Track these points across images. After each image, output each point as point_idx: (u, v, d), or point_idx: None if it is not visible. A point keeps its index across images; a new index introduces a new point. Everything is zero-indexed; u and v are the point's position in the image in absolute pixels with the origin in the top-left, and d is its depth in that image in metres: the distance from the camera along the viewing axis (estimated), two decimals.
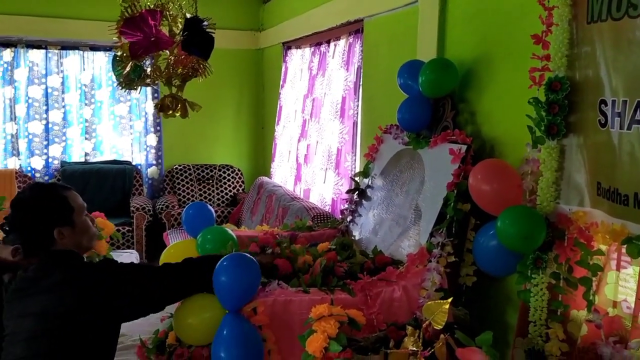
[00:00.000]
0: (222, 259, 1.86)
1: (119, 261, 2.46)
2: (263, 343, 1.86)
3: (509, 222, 1.74)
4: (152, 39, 1.99)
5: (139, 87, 2.24)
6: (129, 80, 2.15)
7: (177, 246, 2.66)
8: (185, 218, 2.67)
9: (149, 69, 2.09)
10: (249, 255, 1.87)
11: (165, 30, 2.14)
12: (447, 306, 1.24)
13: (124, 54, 2.08)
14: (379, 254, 2.36)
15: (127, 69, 2.10)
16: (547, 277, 1.72)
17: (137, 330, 2.52)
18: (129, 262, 1.86)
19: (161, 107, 2.25)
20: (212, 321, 1.82)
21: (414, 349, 1.43)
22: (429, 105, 2.45)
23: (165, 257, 2.60)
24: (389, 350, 1.34)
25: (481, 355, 1.13)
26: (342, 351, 1.54)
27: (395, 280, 2.05)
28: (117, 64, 2.19)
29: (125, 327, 2.59)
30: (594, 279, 1.62)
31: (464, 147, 2.16)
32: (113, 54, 5.33)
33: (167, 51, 2.11)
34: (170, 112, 2.24)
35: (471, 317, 1.94)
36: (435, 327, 1.23)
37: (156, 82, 2.18)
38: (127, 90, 2.30)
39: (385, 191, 2.62)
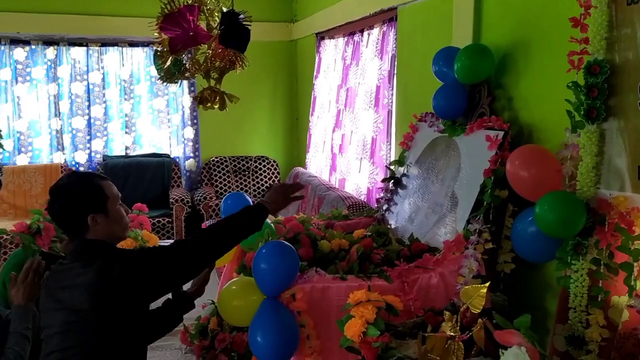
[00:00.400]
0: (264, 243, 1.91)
1: None
2: (301, 328, 1.90)
3: (548, 208, 1.73)
4: (191, 34, 2.04)
5: (179, 81, 2.30)
6: (169, 74, 2.22)
7: None
8: (224, 208, 2.72)
9: (188, 63, 2.15)
10: (288, 243, 1.91)
11: (203, 24, 2.20)
12: (485, 290, 1.25)
13: (164, 49, 2.14)
14: (415, 242, 2.37)
15: (168, 63, 2.16)
16: (587, 263, 1.70)
17: None
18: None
19: (200, 100, 2.31)
20: (254, 304, 1.86)
21: (452, 334, 1.45)
22: (464, 92, 2.43)
23: None
24: (427, 334, 1.36)
25: (519, 338, 1.13)
26: (380, 335, 1.56)
27: (432, 267, 2.06)
28: (157, 59, 2.26)
29: None
30: (635, 264, 1.60)
31: (501, 133, 2.14)
32: (153, 49, 5.47)
33: (206, 45, 2.17)
34: (209, 104, 2.30)
35: (509, 304, 1.93)
36: (473, 311, 1.24)
37: (195, 75, 2.24)
38: (168, 84, 2.37)
39: (421, 179, 2.63)
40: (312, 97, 5.10)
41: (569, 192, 1.79)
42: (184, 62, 2.14)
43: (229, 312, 1.99)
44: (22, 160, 5.34)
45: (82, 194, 1.71)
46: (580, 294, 1.72)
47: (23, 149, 5.36)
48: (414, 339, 1.64)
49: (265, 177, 5.84)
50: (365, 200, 3.77)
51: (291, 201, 1.99)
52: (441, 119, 2.57)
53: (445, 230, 2.29)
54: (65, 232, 1.83)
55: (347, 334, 1.62)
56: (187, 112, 5.74)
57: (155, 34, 2.15)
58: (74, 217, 1.70)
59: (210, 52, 2.15)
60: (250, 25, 2.22)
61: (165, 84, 2.34)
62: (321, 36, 4.98)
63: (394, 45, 3.46)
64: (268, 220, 2.55)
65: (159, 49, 2.21)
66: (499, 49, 2.38)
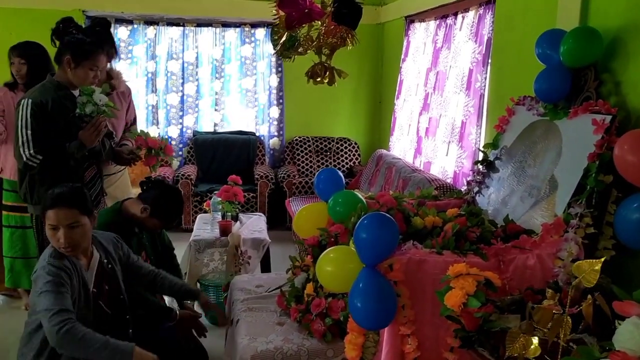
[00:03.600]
0: (360, 219, 1.99)
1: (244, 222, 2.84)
2: (397, 298, 1.97)
3: None
4: (306, 11, 2.14)
5: (293, 56, 2.41)
6: (284, 49, 2.33)
7: (309, 209, 2.82)
8: (317, 183, 2.81)
9: (301, 39, 2.25)
10: (389, 215, 1.98)
11: (317, 1, 2.29)
12: (599, 266, 1.26)
13: (281, 25, 2.25)
14: (511, 223, 2.37)
15: (283, 39, 2.27)
16: None
17: (274, 283, 2.75)
18: None
19: (311, 74, 2.41)
20: (352, 272, 1.95)
21: (556, 311, 1.47)
22: (569, 75, 2.39)
23: (298, 219, 2.78)
24: (536, 305, 1.39)
25: (639, 309, 1.15)
26: (481, 307, 1.60)
27: (530, 248, 2.06)
28: (274, 34, 2.37)
29: (262, 279, 2.83)
30: None
31: (608, 118, 2.10)
32: (245, 29, 5.64)
33: (319, 22, 2.26)
34: (319, 79, 2.40)
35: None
36: (582, 286, 1.26)
37: (308, 51, 2.34)
38: (283, 58, 2.49)
39: (517, 162, 2.61)
40: (399, 80, 5.11)
41: None
42: (298, 38, 2.24)
43: (326, 278, 2.08)
44: None
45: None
46: None
47: None
48: (513, 315, 1.67)
49: (346, 158, 5.93)
50: (451, 183, 3.77)
51: None
52: (541, 102, 2.54)
53: (542, 213, 2.27)
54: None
55: (448, 303, 1.67)
56: (274, 92, 5.91)
57: (273, 11, 2.26)
58: None
59: (323, 28, 2.24)
60: (362, 3, 2.29)
61: (280, 58, 2.45)
62: (410, 19, 4.97)
63: (491, 29, 3.42)
64: (360, 196, 2.63)
65: (276, 24, 2.33)
66: (608, 32, 2.31)
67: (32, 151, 2.50)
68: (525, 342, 1.34)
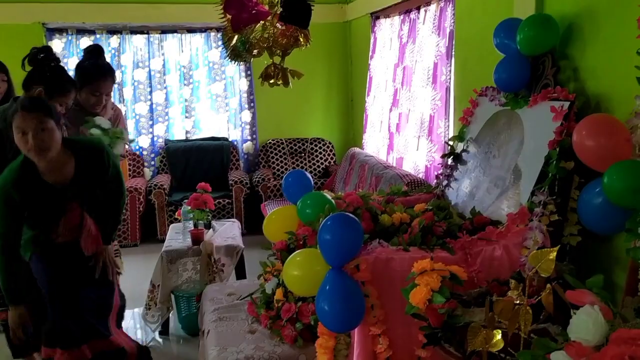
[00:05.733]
0: (325, 218, 1.96)
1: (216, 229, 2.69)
2: (365, 298, 1.94)
3: (617, 177, 1.70)
4: (253, 12, 2.09)
5: (249, 58, 2.36)
6: (236, 53, 2.28)
7: (279, 212, 2.79)
8: (285, 185, 2.78)
9: (253, 41, 2.20)
10: (352, 215, 1.95)
11: (265, 1, 2.24)
12: (554, 254, 1.24)
13: (229, 28, 2.20)
14: (478, 215, 2.36)
15: (234, 41, 2.22)
16: None
17: (246, 290, 2.71)
18: None
19: (265, 76, 2.37)
20: (319, 275, 1.91)
21: (518, 302, 1.45)
22: (527, 63, 2.38)
23: (267, 223, 2.75)
24: (495, 299, 1.37)
25: (592, 297, 1.13)
26: (446, 302, 1.58)
27: (496, 239, 2.05)
28: (224, 37, 2.32)
29: (233, 287, 2.78)
30: None
31: (567, 104, 2.10)
32: (211, 34, 5.59)
33: (269, 23, 2.21)
34: (273, 80, 2.36)
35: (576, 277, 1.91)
36: (541, 275, 1.25)
37: (262, 53, 2.29)
38: (237, 62, 2.44)
39: (482, 154, 2.60)
40: (368, 77, 5.10)
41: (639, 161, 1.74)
42: (250, 39, 2.19)
43: (294, 282, 2.05)
44: None
45: None
46: None
47: None
48: (479, 308, 1.65)
49: (321, 158, 5.90)
50: (423, 178, 3.76)
51: None
52: (503, 93, 2.54)
53: (508, 203, 2.27)
54: None
55: (413, 301, 1.64)
56: (245, 96, 5.86)
57: (220, 14, 2.21)
58: None
59: (273, 29, 2.19)
60: (313, 1, 2.24)
61: (234, 62, 2.41)
62: (376, 16, 4.96)
63: (452, 21, 3.42)
64: (328, 196, 2.60)
65: (226, 27, 2.28)
66: (564, 19, 2.32)
67: None
68: (486, 336, 1.32)
